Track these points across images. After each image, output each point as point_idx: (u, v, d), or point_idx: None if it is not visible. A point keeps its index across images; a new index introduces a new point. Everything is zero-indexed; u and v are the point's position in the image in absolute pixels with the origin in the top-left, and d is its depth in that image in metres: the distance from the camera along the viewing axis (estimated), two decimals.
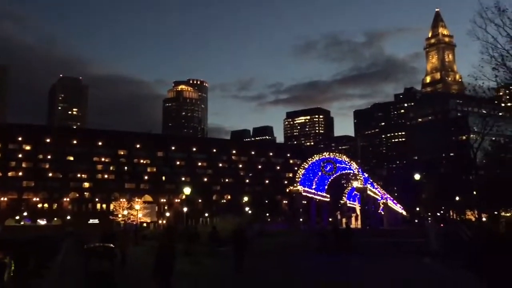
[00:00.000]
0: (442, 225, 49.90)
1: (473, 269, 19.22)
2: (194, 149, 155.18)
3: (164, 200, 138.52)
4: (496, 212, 68.95)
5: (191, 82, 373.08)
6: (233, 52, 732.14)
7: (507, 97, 42.45)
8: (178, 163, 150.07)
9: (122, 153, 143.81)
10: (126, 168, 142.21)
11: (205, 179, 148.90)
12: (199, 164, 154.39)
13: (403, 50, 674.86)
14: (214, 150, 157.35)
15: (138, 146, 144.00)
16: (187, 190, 39.78)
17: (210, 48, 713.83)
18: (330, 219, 72.94)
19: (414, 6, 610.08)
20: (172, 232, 12.61)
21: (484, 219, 70.01)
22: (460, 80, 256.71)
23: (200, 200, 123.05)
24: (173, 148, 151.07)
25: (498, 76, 32.72)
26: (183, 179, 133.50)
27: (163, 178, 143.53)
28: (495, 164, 53.44)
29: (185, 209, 72.71)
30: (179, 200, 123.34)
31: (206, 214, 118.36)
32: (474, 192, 62.92)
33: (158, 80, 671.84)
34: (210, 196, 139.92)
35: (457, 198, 78.99)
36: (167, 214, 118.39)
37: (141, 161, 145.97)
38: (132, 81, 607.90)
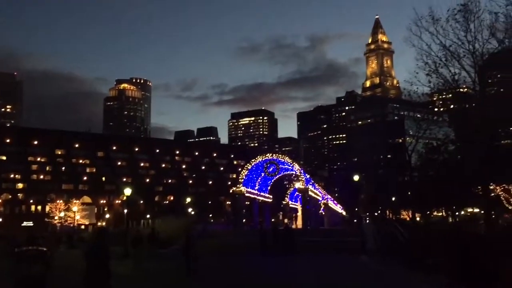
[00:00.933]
0: (382, 224, 51.67)
1: (408, 266, 20.24)
2: (137, 149, 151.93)
3: (104, 202, 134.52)
4: (428, 212, 72.46)
5: (134, 80, 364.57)
6: (177, 52, 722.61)
7: (440, 102, 44.76)
8: (119, 163, 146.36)
9: (59, 152, 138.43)
10: (63, 168, 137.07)
11: (148, 180, 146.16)
12: (142, 164, 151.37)
13: (345, 55, 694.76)
14: (157, 151, 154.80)
15: (76, 145, 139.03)
16: (127, 191, 38.90)
17: (153, 47, 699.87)
18: (273, 220, 73.76)
19: (355, 13, 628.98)
20: (103, 233, 12.09)
21: (418, 218, 73.31)
22: (397, 85, 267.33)
23: (141, 201, 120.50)
24: (114, 148, 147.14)
25: (431, 82, 34.46)
26: (124, 179, 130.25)
27: (103, 178, 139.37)
28: (427, 165, 56.02)
29: (125, 211, 71.04)
30: (119, 201, 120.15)
31: (148, 216, 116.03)
32: (409, 193, 65.69)
33: (99, 78, 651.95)
34: (152, 197, 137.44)
35: (393, 199, 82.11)
36: (107, 215, 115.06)
37: (80, 161, 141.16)
38: (71, 78, 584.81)
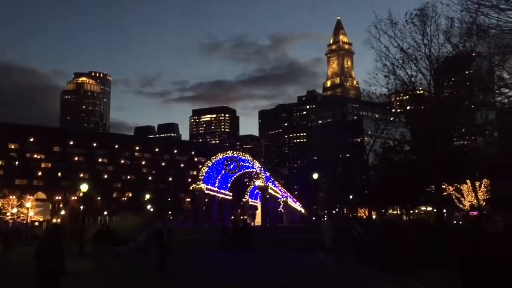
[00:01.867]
0: (339, 222, 52.63)
1: (364, 263, 20.69)
2: (94, 144, 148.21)
3: (59, 198, 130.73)
4: (383, 210, 74.40)
5: (93, 74, 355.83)
6: (137, 47, 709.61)
7: (397, 103, 45.97)
8: (76, 158, 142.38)
9: (12, 147, 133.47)
10: (17, 163, 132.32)
11: (106, 176, 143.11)
12: (99, 160, 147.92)
13: (306, 55, 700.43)
14: (116, 146, 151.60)
15: (31, 139, 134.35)
16: (84, 187, 38.03)
17: (114, 41, 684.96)
18: (232, 217, 73.78)
19: (316, 14, 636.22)
20: (59, 230, 11.72)
21: (374, 216, 75.19)
22: (357, 85, 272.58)
23: (99, 198, 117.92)
24: (71, 142, 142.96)
25: (389, 83, 35.48)
26: (81, 175, 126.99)
27: (59, 174, 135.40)
28: (384, 165, 57.52)
29: (81, 207, 69.28)
30: (75, 198, 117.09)
31: (106, 212, 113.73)
32: (366, 191, 67.22)
33: (56, 71, 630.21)
34: (110, 193, 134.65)
35: (350, 197, 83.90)
36: (62, 212, 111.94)
37: (35, 155, 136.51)
38: (26, 70, 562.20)
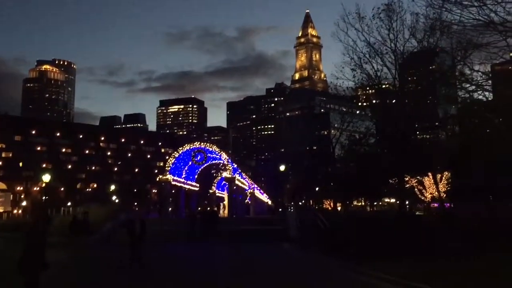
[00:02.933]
0: (304, 213, 53.23)
1: (327, 252, 21.07)
2: (58, 134, 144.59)
3: (21, 188, 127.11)
4: (348, 202, 75.71)
5: (57, 62, 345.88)
6: (102, 35, 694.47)
7: (364, 97, 46.72)
8: (38, 148, 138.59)
9: None
10: None
11: (70, 167, 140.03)
12: (63, 150, 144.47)
13: (273, 47, 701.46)
14: (81, 136, 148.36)
15: None
16: (46, 178, 37.25)
17: (78, 28, 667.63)
18: (199, 208, 73.48)
19: (284, 6, 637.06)
20: (43, 218, 11.39)
21: (339, 208, 76.47)
22: (325, 79, 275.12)
23: (62, 189, 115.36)
24: (33, 132, 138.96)
25: (355, 76, 35.99)
26: (44, 165, 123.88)
27: (20, 164, 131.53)
28: (349, 157, 58.41)
29: (44, 198, 67.73)
30: (38, 188, 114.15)
31: (69, 204, 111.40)
32: (332, 183, 68.20)
33: (18, 58, 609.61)
34: (74, 184, 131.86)
35: (317, 189, 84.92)
36: (24, 203, 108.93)
37: None
38: None
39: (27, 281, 9.56)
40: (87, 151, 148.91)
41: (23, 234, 10.33)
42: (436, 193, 56.13)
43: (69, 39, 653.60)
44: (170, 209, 56.13)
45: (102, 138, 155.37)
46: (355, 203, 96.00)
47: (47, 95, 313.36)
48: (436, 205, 63.86)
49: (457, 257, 15.93)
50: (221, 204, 74.85)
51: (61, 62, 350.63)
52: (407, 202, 59.89)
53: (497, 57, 18.01)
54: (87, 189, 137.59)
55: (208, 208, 60.36)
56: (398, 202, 46.84)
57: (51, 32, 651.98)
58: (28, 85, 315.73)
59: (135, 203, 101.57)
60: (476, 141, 32.60)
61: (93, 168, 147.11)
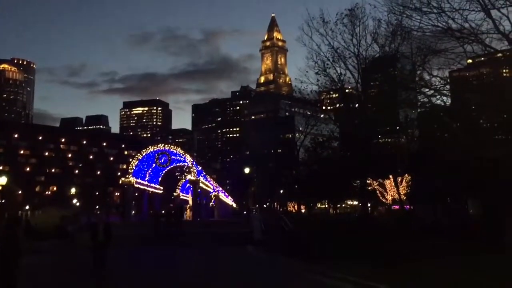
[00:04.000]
0: (268, 215, 53.44)
1: (290, 254, 21.17)
2: (16, 135, 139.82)
3: None
4: (312, 204, 76.53)
5: (15, 61, 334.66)
6: (63, 35, 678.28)
7: (328, 101, 47.38)
8: None
9: None
10: None
11: (28, 169, 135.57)
12: (21, 152, 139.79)
13: (238, 50, 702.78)
14: (40, 138, 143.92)
15: None
16: (2, 180, 35.95)
17: (38, 27, 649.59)
18: (163, 212, 72.53)
19: (249, 9, 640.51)
20: (15, 223, 10.76)
21: (303, 210, 77.14)
22: (290, 82, 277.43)
23: (20, 192, 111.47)
24: None
25: (319, 80, 36.49)
26: (0, 168, 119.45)
27: None
28: (312, 160, 59.06)
29: (2, 201, 65.23)
30: None
31: (27, 207, 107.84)
32: (296, 186, 68.70)
33: None
34: (32, 187, 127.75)
35: (281, 191, 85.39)
36: None
37: None
38: None
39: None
40: (46, 153, 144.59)
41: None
42: (397, 195, 57.50)
43: (29, 38, 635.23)
44: (133, 212, 55.27)
45: (63, 140, 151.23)
46: (318, 205, 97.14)
47: (5, 95, 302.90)
48: (397, 207, 65.27)
49: (412, 258, 16.30)
50: (185, 206, 74.23)
51: (20, 62, 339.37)
52: (369, 204, 61.03)
53: (454, 62, 18.62)
54: (47, 192, 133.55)
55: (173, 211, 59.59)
56: (360, 204, 47.65)
57: (10, 31, 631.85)
58: None
59: (97, 206, 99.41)
60: (434, 145, 33.54)
61: (53, 170, 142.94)
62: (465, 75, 29.18)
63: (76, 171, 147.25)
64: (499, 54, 20.98)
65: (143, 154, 53.61)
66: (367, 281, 12.89)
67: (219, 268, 18.38)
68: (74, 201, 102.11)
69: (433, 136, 35.04)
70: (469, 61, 27.50)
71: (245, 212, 73.55)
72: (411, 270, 14.05)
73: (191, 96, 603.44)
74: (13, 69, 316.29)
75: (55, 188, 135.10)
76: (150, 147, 55.14)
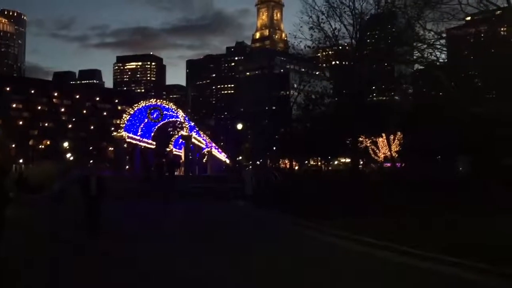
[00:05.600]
0: (260, 170, 53.78)
1: (280, 208, 21.41)
2: (8, 88, 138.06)
3: None
4: (305, 161, 76.99)
5: (5, 13, 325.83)
6: None
7: (323, 58, 46.73)
8: None
9: None
10: None
11: (21, 123, 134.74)
12: (13, 105, 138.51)
13: (232, 5, 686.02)
14: (32, 91, 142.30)
15: None
16: None
17: None
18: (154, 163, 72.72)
19: None
20: (3, 174, 10.42)
21: (296, 167, 77.65)
22: (285, 39, 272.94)
23: (13, 145, 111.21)
24: None
25: (313, 35, 35.75)
26: None
27: None
28: (305, 117, 58.91)
29: None
30: None
31: (21, 160, 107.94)
32: (289, 143, 68.73)
33: None
34: (26, 141, 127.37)
35: (274, 148, 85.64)
36: None
37: None
38: None
39: None
40: (39, 107, 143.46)
41: None
42: (389, 153, 57.93)
43: None
44: (126, 167, 55.38)
45: (56, 94, 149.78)
46: (312, 162, 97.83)
47: None
48: (388, 164, 65.95)
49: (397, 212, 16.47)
50: (179, 161, 74.39)
51: (11, 13, 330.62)
52: (361, 162, 61.52)
53: (449, 17, 18.15)
54: (40, 146, 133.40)
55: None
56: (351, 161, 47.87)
57: None
58: None
59: (91, 160, 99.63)
60: (428, 102, 33.40)
61: (46, 124, 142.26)
62: (461, 32, 28.67)
63: (70, 126, 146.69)
64: (498, 12, 20.52)
65: (135, 109, 53.15)
66: (352, 234, 13.02)
67: (206, 221, 18.66)
68: (68, 155, 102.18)
69: (426, 93, 34.81)
70: (468, 18, 26.97)
71: (237, 168, 74.01)
72: (394, 222, 14.27)
73: (185, 52, 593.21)
74: (3, 21, 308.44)
75: (48, 142, 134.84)
76: (142, 102, 54.63)
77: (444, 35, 21.63)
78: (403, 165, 58.41)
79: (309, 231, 14.99)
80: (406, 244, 10.87)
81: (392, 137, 58.01)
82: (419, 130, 39.53)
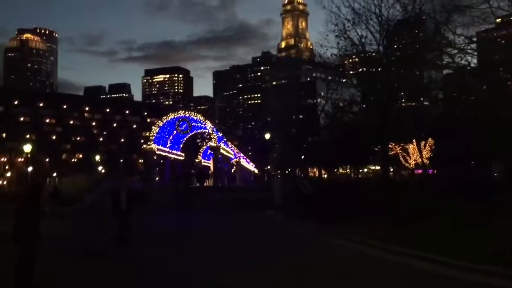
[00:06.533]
0: (289, 180, 53.62)
1: (306, 216, 21.31)
2: (41, 104, 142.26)
3: (5, 160, 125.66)
4: (335, 169, 76.31)
5: (38, 31, 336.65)
6: (79, 3, 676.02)
7: (350, 65, 46.41)
8: (21, 119, 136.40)
9: None
10: None
11: (54, 137, 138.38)
12: (47, 121, 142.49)
13: (256, 16, 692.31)
14: (65, 107, 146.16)
15: None
16: (27, 148, 36.78)
17: None
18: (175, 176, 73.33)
19: None
20: (37, 188, 10.73)
21: (325, 176, 77.15)
22: (311, 47, 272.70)
23: (47, 159, 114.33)
24: (15, 102, 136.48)
25: (340, 43, 35.59)
26: (27, 136, 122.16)
27: (4, 135, 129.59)
28: (333, 125, 58.53)
29: (29, 169, 67.09)
30: (22, 159, 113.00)
31: (54, 174, 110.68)
32: (317, 151, 68.35)
33: None
34: (59, 155, 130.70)
35: (302, 157, 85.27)
36: (8, 174, 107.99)
37: None
38: None
39: (22, 252, 9.21)
40: (71, 122, 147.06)
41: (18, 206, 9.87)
42: (420, 159, 56.91)
43: (48, 7, 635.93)
44: (157, 178, 56.07)
45: (87, 109, 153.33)
46: (341, 170, 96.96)
47: (29, 64, 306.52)
48: (420, 171, 64.77)
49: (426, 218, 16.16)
50: (207, 172, 74.88)
51: (43, 31, 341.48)
52: (391, 169, 60.64)
53: (479, 20, 17.81)
54: (72, 160, 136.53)
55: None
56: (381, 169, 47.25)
57: (30, 1, 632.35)
58: (9, 54, 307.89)
59: (121, 173, 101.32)
60: (459, 107, 32.74)
61: (78, 138, 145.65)
62: (492, 35, 28.09)
63: (101, 139, 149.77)
64: None
65: (164, 121, 53.88)
66: (382, 243, 12.86)
67: (238, 230, 18.71)
68: (99, 168, 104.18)
69: (457, 98, 34.13)
70: (498, 20, 26.42)
71: (266, 178, 73.94)
72: (423, 230, 13.99)
73: (211, 63, 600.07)
74: (36, 39, 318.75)
75: (80, 156, 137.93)
76: (170, 114, 55.36)
77: (474, 39, 21.19)
78: (435, 171, 57.28)
79: (343, 241, 14.80)
80: (448, 254, 10.30)
81: (423, 144, 57.08)
82: (451, 135, 38.76)
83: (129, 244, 14.69)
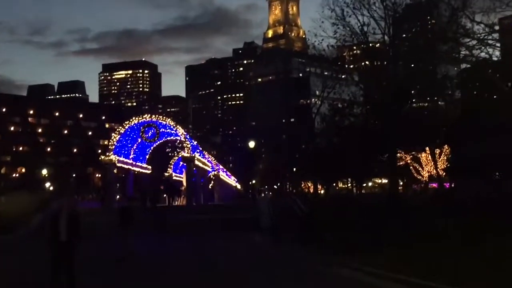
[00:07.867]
0: (279, 198, 53.75)
1: (304, 243, 21.27)
2: None
3: None
4: (333, 184, 76.60)
5: None
6: None
7: (350, 58, 46.66)
8: None
9: None
10: None
11: None
12: None
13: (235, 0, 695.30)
14: (4, 110, 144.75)
15: None
16: None
17: None
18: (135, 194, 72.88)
19: None
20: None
21: (322, 191, 77.42)
22: (303, 36, 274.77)
23: None
24: None
25: (337, 32, 35.92)
26: None
27: None
28: (331, 130, 58.85)
29: None
30: None
31: None
32: (312, 162, 68.61)
33: None
34: None
35: (294, 169, 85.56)
36: None
37: None
38: None
39: None
40: (12, 128, 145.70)
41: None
42: (434, 171, 57.42)
43: None
44: (117, 196, 55.51)
45: (31, 112, 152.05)
46: (340, 185, 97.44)
47: None
48: (435, 185, 65.32)
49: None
50: (180, 188, 74.65)
51: None
52: (400, 182, 61.10)
53: (502, 5, 18.14)
54: (14, 175, 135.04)
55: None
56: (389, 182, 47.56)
57: None
58: None
59: (72, 189, 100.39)
60: (479, 108, 33.19)
61: (20, 148, 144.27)
62: None
63: (48, 149, 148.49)
64: None
65: (126, 127, 53.27)
66: (396, 274, 12.93)
67: (217, 267, 17.68)
68: (47, 184, 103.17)
69: (477, 96, 34.62)
70: None
71: (250, 195, 73.88)
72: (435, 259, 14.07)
73: (182, 57, 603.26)
74: None
75: (23, 170, 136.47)
76: (134, 118, 54.78)
77: (496, 27, 21.53)
78: (452, 185, 57.86)
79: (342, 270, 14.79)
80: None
81: (437, 152, 57.64)
82: (470, 142, 39.27)
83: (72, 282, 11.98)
